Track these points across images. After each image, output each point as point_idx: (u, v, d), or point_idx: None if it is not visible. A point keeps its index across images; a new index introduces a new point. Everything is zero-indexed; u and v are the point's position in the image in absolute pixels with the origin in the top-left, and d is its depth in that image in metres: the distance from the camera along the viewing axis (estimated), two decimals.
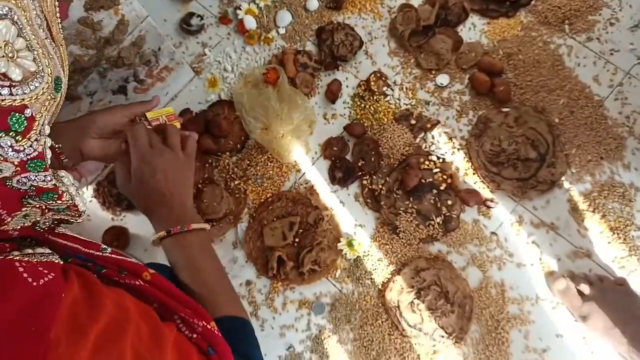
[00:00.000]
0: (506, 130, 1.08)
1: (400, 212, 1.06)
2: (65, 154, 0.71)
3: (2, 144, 0.37)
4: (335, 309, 1.03)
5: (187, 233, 0.72)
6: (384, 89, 1.14)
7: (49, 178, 0.43)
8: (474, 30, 1.17)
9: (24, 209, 0.44)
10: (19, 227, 0.45)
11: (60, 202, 0.46)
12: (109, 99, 1.07)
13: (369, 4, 1.21)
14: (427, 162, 1.07)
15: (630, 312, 0.92)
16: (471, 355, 0.99)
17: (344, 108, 1.15)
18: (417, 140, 1.11)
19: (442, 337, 0.99)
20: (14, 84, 0.36)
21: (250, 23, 1.20)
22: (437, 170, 1.07)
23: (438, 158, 1.08)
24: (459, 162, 1.09)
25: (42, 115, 0.40)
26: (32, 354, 0.34)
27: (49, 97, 0.40)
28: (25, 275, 0.37)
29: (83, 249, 0.53)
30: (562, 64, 1.11)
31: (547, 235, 1.03)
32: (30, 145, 0.39)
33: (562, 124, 1.07)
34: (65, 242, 0.52)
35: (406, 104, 1.13)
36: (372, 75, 1.15)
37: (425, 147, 1.10)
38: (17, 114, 0.37)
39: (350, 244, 1.05)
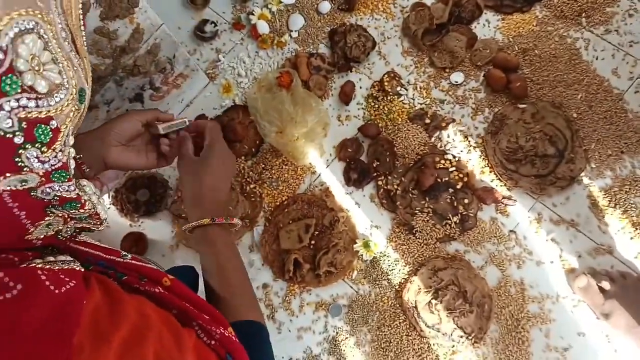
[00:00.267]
0: (523, 126, 1.06)
1: (417, 212, 1.05)
2: (86, 164, 0.72)
3: (28, 155, 0.38)
4: (352, 310, 1.03)
5: (222, 226, 0.77)
6: (398, 89, 1.14)
7: (72, 188, 0.44)
8: (488, 26, 1.15)
9: (47, 218, 0.44)
10: (42, 236, 0.46)
11: (83, 210, 0.47)
12: (125, 107, 1.10)
13: (381, 5, 1.21)
14: (442, 161, 1.06)
15: None
16: (491, 355, 0.97)
17: (358, 109, 1.15)
18: (432, 139, 1.10)
19: (461, 337, 0.98)
20: (40, 96, 0.37)
21: (263, 28, 1.21)
22: (453, 169, 1.06)
23: (454, 157, 1.07)
24: (475, 160, 1.08)
25: (66, 126, 0.41)
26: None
27: (73, 109, 0.41)
28: (47, 283, 0.38)
29: (105, 256, 0.54)
30: (580, 57, 1.08)
31: (567, 232, 1.01)
32: (55, 156, 0.40)
33: (580, 118, 1.05)
34: (87, 249, 0.53)
35: (420, 104, 1.13)
36: (386, 76, 1.14)
37: (441, 146, 1.09)
38: (42, 126, 0.38)
39: (366, 245, 1.05)
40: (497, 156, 1.06)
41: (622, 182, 1.01)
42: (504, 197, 1.04)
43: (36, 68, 0.36)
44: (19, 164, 0.38)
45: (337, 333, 1.02)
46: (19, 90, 0.35)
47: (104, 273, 0.52)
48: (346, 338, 1.02)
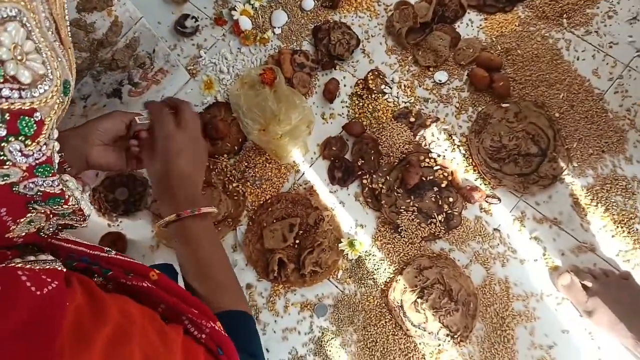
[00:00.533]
0: (506, 125, 1.07)
1: (402, 210, 1.04)
2: (67, 162, 0.69)
3: (11, 148, 0.36)
4: (338, 310, 1.02)
5: (195, 217, 0.71)
6: (382, 87, 1.13)
7: (56, 183, 0.42)
8: (472, 26, 1.16)
9: (29, 215, 0.43)
10: (23, 234, 0.44)
11: (67, 206, 0.45)
12: (103, 103, 1.06)
13: (365, 2, 1.20)
14: (427, 160, 1.06)
15: (635, 306, 0.91)
16: (477, 354, 0.97)
17: (342, 107, 1.14)
18: (417, 138, 1.10)
19: (447, 336, 0.98)
20: (23, 87, 0.36)
21: (246, 24, 1.19)
22: (438, 167, 1.06)
23: (438, 155, 1.07)
24: (459, 159, 1.08)
25: (51, 119, 0.39)
26: None
27: (57, 101, 0.39)
28: (28, 284, 0.36)
29: (88, 252, 0.52)
30: (561, 58, 1.10)
31: (550, 231, 1.02)
32: (39, 150, 0.39)
33: (562, 118, 1.06)
34: (69, 245, 0.51)
35: (405, 102, 1.12)
36: (370, 74, 1.14)
37: (425, 145, 1.09)
38: (26, 118, 0.36)
39: (351, 244, 1.04)
40: (481, 155, 1.07)
41: (604, 181, 1.02)
42: (488, 196, 1.04)
43: (19, 57, 0.35)
44: (1, 158, 0.36)
45: (322, 333, 1.01)
46: (1, 80, 0.34)
47: (88, 269, 0.50)
48: (332, 338, 1.00)
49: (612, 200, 1.01)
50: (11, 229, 0.42)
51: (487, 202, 1.05)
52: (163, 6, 1.23)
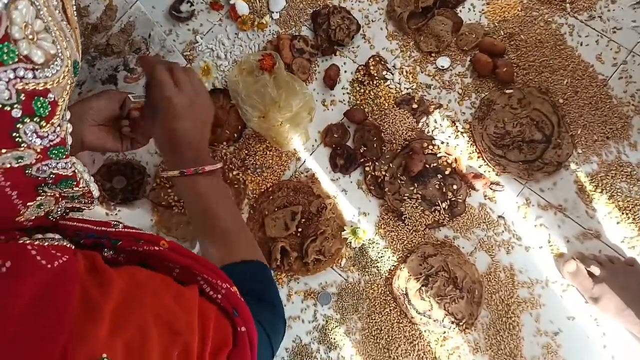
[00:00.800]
0: (510, 112, 1.05)
1: (405, 198, 1.03)
2: None
3: (26, 130, 0.36)
4: (342, 298, 1.00)
5: (200, 175, 0.72)
6: (384, 73, 1.11)
7: (69, 165, 0.42)
8: (474, 11, 1.14)
9: (39, 199, 0.42)
10: (33, 217, 0.44)
11: (78, 189, 0.45)
12: (98, 89, 1.03)
13: None
14: (430, 147, 1.05)
15: None
16: (482, 341, 0.97)
17: (343, 94, 1.12)
18: (420, 124, 1.08)
19: (452, 323, 0.97)
20: (36, 67, 0.35)
21: (243, 8, 1.16)
22: (442, 154, 1.05)
23: (442, 142, 1.06)
24: (463, 146, 1.06)
25: (64, 99, 0.39)
26: (51, 337, 0.33)
27: (69, 82, 0.39)
28: (38, 257, 0.36)
29: (95, 228, 0.51)
30: (565, 43, 1.09)
31: (555, 217, 1.01)
32: (54, 131, 0.38)
33: (566, 104, 1.05)
34: (75, 224, 0.50)
35: (407, 88, 1.11)
36: (371, 60, 1.12)
37: (428, 132, 1.08)
38: (41, 98, 0.36)
39: (354, 232, 1.02)
40: (485, 142, 1.05)
41: (608, 167, 1.02)
42: (492, 183, 1.03)
43: (30, 37, 0.34)
44: (17, 140, 0.35)
45: (326, 322, 0.99)
46: (16, 60, 0.33)
47: (96, 244, 0.50)
48: (336, 326, 0.99)
49: (617, 187, 1.00)
50: (21, 212, 0.41)
51: (491, 189, 1.04)
52: None
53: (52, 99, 0.37)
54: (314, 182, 1.07)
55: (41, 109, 0.36)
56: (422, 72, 1.11)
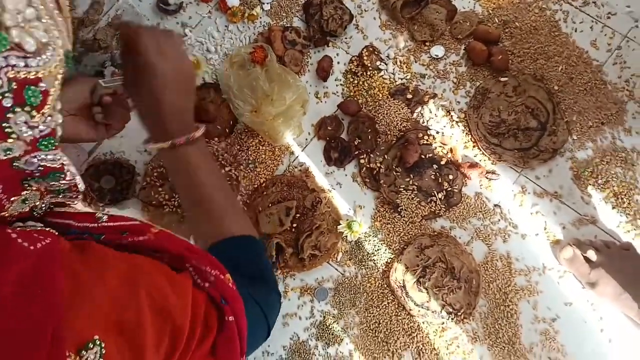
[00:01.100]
0: (505, 100, 1.05)
1: (401, 189, 1.02)
2: None
3: (17, 120, 0.35)
4: (339, 293, 1.00)
5: (190, 145, 0.70)
6: (377, 63, 1.10)
7: (58, 157, 0.41)
8: None
9: (24, 193, 0.42)
10: (17, 213, 0.43)
11: (65, 182, 0.44)
12: None
13: None
14: (426, 137, 1.04)
15: (638, 276, 0.91)
16: (480, 330, 0.97)
17: (337, 85, 1.11)
18: (415, 115, 1.07)
19: (450, 314, 0.97)
20: (28, 55, 0.35)
21: (233, 0, 1.14)
22: (437, 144, 1.04)
23: (437, 132, 1.05)
24: (459, 135, 1.06)
25: (55, 89, 0.38)
26: (41, 323, 0.33)
27: (60, 71, 0.38)
28: (19, 240, 0.36)
29: (75, 224, 0.50)
30: (559, 29, 1.08)
31: (551, 204, 1.01)
32: (44, 122, 0.38)
33: (561, 91, 1.04)
34: (55, 220, 0.49)
35: (401, 78, 1.09)
36: (364, 50, 1.10)
37: (423, 122, 1.07)
38: (32, 87, 0.36)
39: (350, 226, 1.01)
40: (480, 130, 1.05)
41: (603, 153, 1.01)
42: (488, 172, 1.03)
43: (22, 24, 0.34)
44: (6, 130, 0.35)
45: (324, 317, 0.99)
46: (8, 47, 0.33)
47: (79, 239, 0.48)
48: (334, 322, 0.99)
49: (612, 172, 1.00)
50: (6, 207, 0.41)
51: (487, 178, 1.03)
52: None
53: (44, 88, 0.37)
54: (308, 176, 1.06)
55: (32, 97, 0.36)
56: (416, 62, 1.10)
